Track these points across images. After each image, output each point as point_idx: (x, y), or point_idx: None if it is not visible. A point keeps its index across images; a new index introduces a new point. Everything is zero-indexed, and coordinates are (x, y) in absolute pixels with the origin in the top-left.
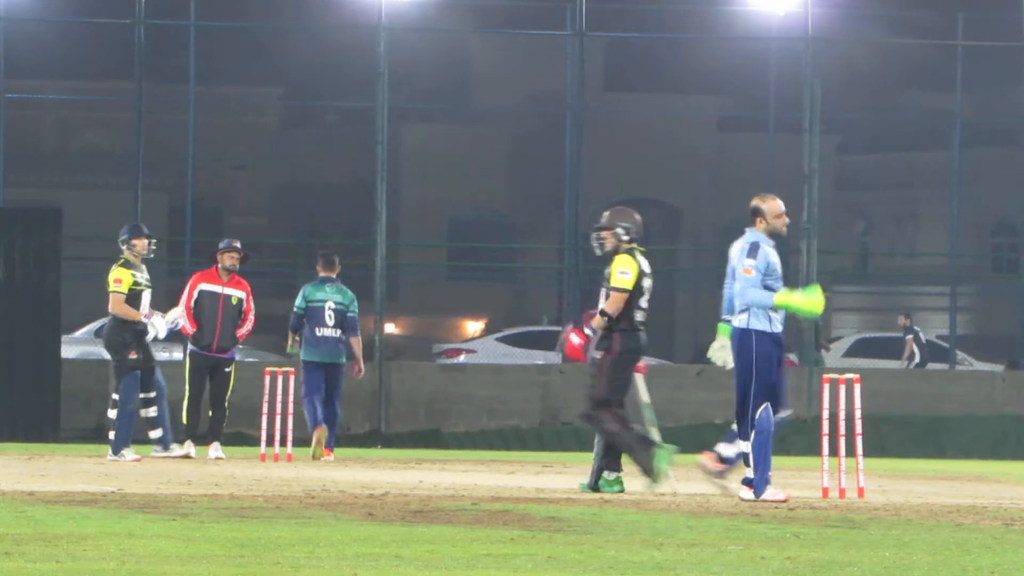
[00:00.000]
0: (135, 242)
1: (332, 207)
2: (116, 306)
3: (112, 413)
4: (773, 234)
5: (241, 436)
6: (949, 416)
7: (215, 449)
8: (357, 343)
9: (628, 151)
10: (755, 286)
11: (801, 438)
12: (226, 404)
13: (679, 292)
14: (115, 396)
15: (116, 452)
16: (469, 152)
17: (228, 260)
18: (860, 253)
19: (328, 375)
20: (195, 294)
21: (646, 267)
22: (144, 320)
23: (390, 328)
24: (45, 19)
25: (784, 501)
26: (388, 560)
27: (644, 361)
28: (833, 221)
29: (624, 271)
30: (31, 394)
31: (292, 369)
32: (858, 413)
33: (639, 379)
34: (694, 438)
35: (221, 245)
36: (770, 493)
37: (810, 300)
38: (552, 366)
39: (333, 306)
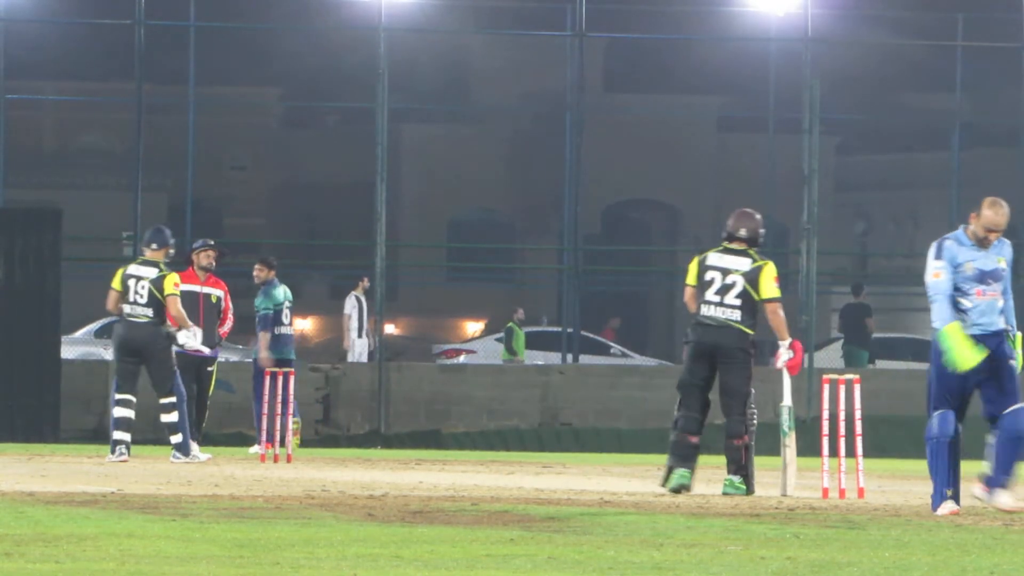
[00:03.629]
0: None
1: (332, 207)
2: (179, 309)
3: (171, 417)
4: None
5: (241, 436)
6: None
7: (194, 448)
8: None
9: (628, 151)
10: (940, 292)
11: (801, 438)
12: (207, 403)
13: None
14: (172, 399)
15: (188, 453)
16: (469, 152)
17: (205, 259)
18: (859, 254)
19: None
20: None
21: (714, 260)
22: (192, 327)
23: (390, 328)
24: (45, 19)
25: (954, 514)
26: (388, 560)
27: (786, 361)
28: (833, 222)
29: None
30: (31, 394)
31: (292, 370)
32: (858, 413)
33: (785, 380)
34: None
35: (196, 244)
36: (944, 508)
37: (958, 353)
38: (552, 367)
39: (288, 305)
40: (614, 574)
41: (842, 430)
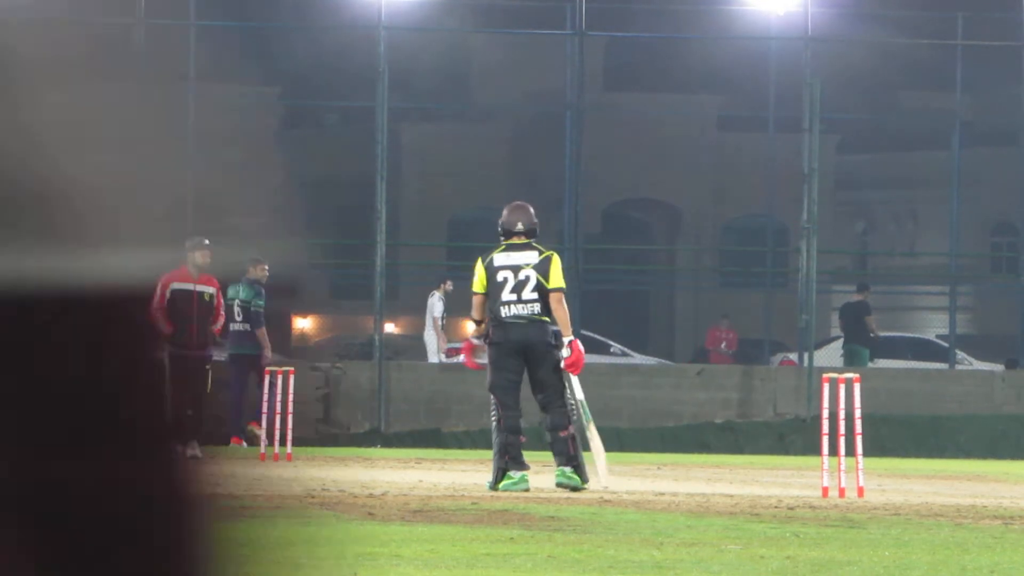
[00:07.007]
0: None
1: (332, 207)
2: None
3: None
4: None
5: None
6: (948, 416)
7: (191, 447)
8: (261, 334)
9: (628, 150)
10: None
11: (801, 438)
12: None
13: (679, 292)
14: None
15: None
16: (469, 151)
17: (200, 258)
18: (860, 253)
19: (246, 364)
20: (167, 294)
21: (501, 261)
22: None
23: (390, 328)
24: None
25: None
26: (388, 560)
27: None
28: (833, 221)
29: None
30: None
31: (292, 369)
32: (858, 413)
33: (573, 378)
34: (694, 438)
35: (191, 243)
36: None
37: None
38: None
39: (239, 303)
40: (614, 573)
41: (842, 429)
